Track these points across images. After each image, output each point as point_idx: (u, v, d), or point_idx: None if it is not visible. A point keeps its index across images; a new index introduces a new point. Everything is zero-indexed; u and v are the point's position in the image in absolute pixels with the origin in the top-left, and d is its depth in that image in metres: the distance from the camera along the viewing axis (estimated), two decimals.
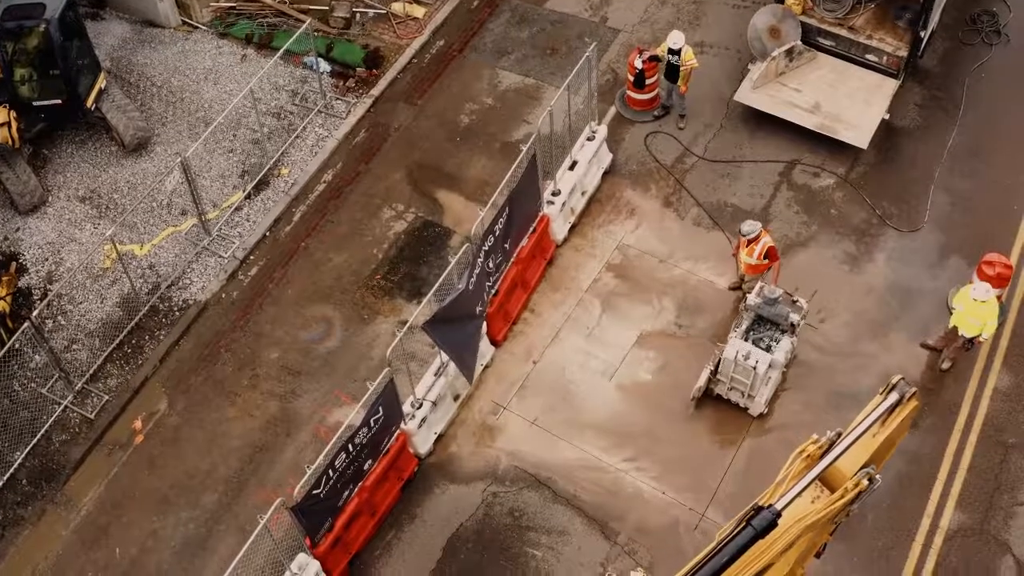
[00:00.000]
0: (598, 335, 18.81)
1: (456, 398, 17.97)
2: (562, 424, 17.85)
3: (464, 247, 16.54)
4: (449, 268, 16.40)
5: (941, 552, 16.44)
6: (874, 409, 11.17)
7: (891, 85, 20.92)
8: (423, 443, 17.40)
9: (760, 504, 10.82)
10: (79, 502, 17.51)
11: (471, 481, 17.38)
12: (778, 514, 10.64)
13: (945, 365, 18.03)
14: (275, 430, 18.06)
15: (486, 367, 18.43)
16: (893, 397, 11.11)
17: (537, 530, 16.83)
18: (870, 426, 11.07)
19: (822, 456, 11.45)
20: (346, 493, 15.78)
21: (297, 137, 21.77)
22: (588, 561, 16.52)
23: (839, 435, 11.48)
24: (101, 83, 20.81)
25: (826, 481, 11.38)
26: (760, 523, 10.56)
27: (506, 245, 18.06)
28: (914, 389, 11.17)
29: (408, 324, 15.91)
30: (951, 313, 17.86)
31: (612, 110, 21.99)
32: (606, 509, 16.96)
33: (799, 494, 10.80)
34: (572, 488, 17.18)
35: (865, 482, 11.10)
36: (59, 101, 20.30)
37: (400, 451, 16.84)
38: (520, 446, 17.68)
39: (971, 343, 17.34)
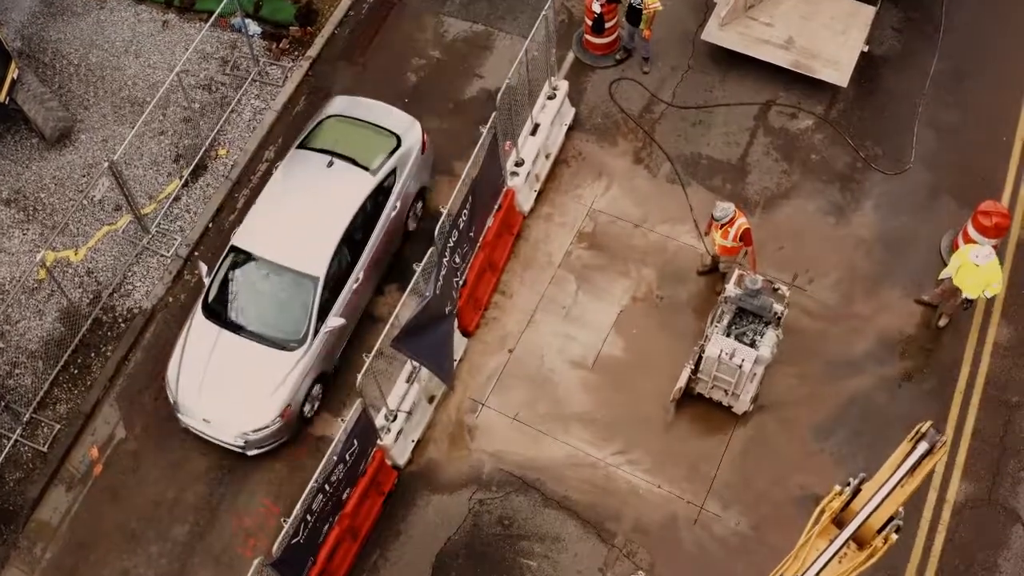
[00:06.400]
0: (575, 315, 17.68)
1: (431, 399, 16.88)
2: (545, 418, 16.85)
3: (430, 251, 15.18)
4: (415, 277, 15.08)
5: (950, 527, 15.83)
6: (901, 460, 10.24)
7: (868, 12, 19.45)
8: (401, 454, 16.39)
9: None
10: (43, 545, 16.37)
11: (455, 489, 16.42)
12: None
13: (942, 322, 17.14)
14: None
15: (460, 360, 17.30)
16: (922, 447, 10.15)
17: (529, 538, 15.98)
18: (899, 481, 10.16)
19: (843, 508, 10.60)
20: (326, 528, 14.79)
21: (232, 112, 20.04)
22: (586, 568, 15.72)
23: (862, 481, 10.62)
24: (13, 73, 18.88)
25: None
26: None
27: (471, 233, 16.76)
28: (945, 438, 10.22)
29: (375, 348, 14.64)
30: (945, 263, 16.96)
31: (570, 56, 20.42)
32: (600, 509, 16.11)
33: (826, 564, 9.99)
34: (562, 489, 16.28)
35: (894, 536, 10.30)
36: None
37: (378, 467, 15.80)
38: (503, 445, 16.69)
39: (969, 302, 16.42)
